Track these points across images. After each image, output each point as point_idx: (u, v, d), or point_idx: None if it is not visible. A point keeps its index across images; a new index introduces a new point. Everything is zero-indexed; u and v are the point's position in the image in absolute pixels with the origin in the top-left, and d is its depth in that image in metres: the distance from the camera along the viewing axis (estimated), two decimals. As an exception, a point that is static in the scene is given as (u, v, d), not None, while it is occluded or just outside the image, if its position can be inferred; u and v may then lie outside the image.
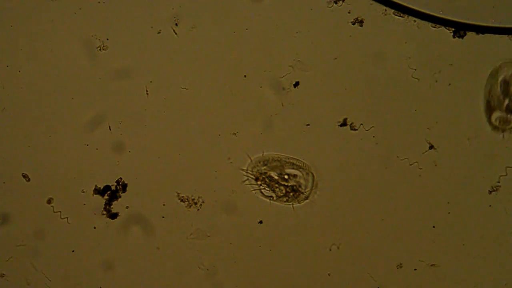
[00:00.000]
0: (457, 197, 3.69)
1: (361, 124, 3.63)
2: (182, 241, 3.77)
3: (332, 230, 3.74)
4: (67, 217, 3.76)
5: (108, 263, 3.80)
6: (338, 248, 3.74)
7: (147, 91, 3.63)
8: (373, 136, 3.65)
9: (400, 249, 3.73)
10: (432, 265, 3.71)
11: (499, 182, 3.63)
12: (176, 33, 3.47)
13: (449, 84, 3.61)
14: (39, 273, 3.81)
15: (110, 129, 3.70)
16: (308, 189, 3.68)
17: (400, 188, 3.69)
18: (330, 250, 3.74)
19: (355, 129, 3.64)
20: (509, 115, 3.56)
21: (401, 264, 3.73)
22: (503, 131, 3.56)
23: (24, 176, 3.73)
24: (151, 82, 3.66)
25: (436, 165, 3.66)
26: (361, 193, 3.70)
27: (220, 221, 3.76)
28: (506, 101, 3.55)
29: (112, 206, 3.76)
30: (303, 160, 3.67)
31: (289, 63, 3.63)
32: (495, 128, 3.57)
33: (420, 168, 3.64)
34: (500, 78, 3.54)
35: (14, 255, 3.80)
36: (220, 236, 3.76)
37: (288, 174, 3.69)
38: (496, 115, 3.55)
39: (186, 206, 3.75)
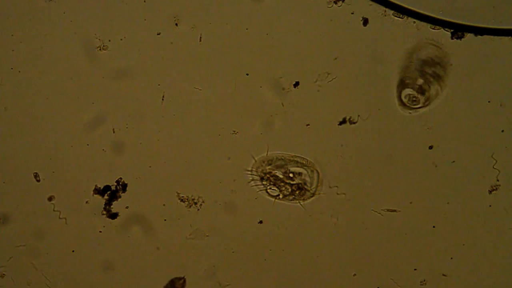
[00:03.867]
0: (457, 197, 3.69)
1: (358, 115, 3.64)
2: (182, 241, 3.77)
3: (331, 229, 3.74)
4: (65, 218, 3.76)
5: (108, 263, 3.80)
6: (336, 248, 3.75)
7: (163, 97, 3.64)
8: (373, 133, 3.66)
9: (400, 250, 3.73)
10: (443, 275, 3.72)
11: (498, 180, 3.64)
12: (200, 39, 3.49)
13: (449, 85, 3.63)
14: (39, 273, 3.80)
15: (113, 132, 3.70)
16: (314, 186, 3.69)
17: (400, 188, 3.69)
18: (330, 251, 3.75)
19: (354, 122, 3.64)
20: (419, 95, 3.57)
21: (401, 264, 3.74)
22: (410, 109, 3.57)
23: (35, 176, 3.73)
24: (159, 85, 3.67)
25: (436, 166, 3.66)
26: (361, 193, 3.70)
27: (220, 221, 3.76)
28: (420, 81, 3.55)
29: (112, 206, 3.76)
30: (307, 158, 3.67)
31: (290, 65, 3.64)
32: (403, 105, 3.58)
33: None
34: (419, 57, 3.55)
35: (14, 255, 3.80)
36: (220, 236, 3.76)
37: (293, 173, 3.69)
38: (406, 92, 3.56)
39: (186, 206, 3.75)
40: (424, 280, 3.74)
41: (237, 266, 3.80)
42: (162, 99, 3.64)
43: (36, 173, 3.72)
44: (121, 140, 3.71)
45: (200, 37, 3.59)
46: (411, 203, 3.69)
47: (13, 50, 3.67)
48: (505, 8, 3.53)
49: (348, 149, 3.67)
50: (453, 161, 3.62)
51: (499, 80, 3.62)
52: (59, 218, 3.76)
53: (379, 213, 3.67)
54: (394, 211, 3.67)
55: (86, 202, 3.74)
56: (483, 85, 3.62)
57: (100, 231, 3.78)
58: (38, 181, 3.73)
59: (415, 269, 3.74)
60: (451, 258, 3.72)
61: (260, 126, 3.68)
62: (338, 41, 3.62)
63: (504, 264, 3.72)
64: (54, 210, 3.75)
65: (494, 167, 3.62)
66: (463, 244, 3.71)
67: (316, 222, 3.73)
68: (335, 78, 3.62)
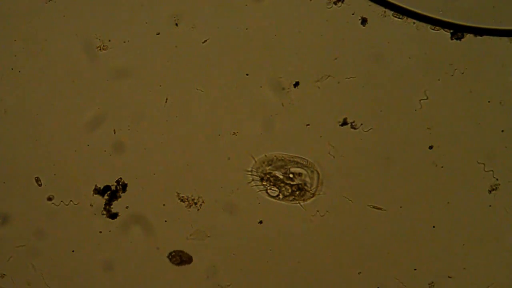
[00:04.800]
0: (457, 197, 3.68)
1: (361, 124, 3.64)
2: (182, 241, 3.77)
3: (331, 230, 3.74)
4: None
5: (108, 263, 3.80)
6: (336, 248, 3.75)
7: (166, 99, 3.64)
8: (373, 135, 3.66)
9: (400, 250, 3.73)
10: (449, 277, 3.72)
11: (498, 180, 3.63)
12: (205, 41, 3.50)
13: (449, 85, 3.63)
14: (39, 273, 3.80)
15: (114, 132, 3.70)
16: (314, 186, 3.69)
17: (400, 188, 3.69)
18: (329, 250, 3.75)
19: (355, 128, 3.64)
20: None
21: (402, 265, 3.74)
22: None
23: (37, 180, 3.74)
24: (160, 86, 3.67)
25: (436, 165, 3.66)
26: (361, 192, 3.70)
27: (220, 221, 3.76)
28: None
29: (112, 206, 3.76)
30: (307, 159, 3.67)
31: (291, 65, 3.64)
32: None
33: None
34: None
35: (14, 255, 3.80)
36: (220, 236, 3.76)
37: (293, 173, 3.69)
38: None
39: (186, 206, 3.75)
40: (432, 282, 3.74)
41: (237, 266, 3.80)
42: (166, 102, 3.65)
43: (37, 177, 3.72)
44: (121, 140, 3.71)
45: (206, 40, 3.59)
46: (401, 207, 3.69)
47: (15, 56, 3.68)
48: (505, 8, 3.53)
49: (348, 149, 3.67)
50: (442, 166, 3.63)
51: (499, 80, 3.62)
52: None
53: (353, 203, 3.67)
54: (380, 209, 3.67)
55: (91, 205, 3.75)
56: (483, 85, 3.62)
57: (100, 231, 3.78)
58: (40, 185, 3.73)
59: (415, 269, 3.74)
60: (464, 269, 3.72)
61: (260, 126, 3.68)
62: (338, 41, 3.62)
63: (504, 264, 3.72)
64: (56, 205, 3.76)
65: (493, 168, 3.63)
66: (463, 244, 3.71)
67: (316, 222, 3.73)
68: (335, 78, 3.63)
